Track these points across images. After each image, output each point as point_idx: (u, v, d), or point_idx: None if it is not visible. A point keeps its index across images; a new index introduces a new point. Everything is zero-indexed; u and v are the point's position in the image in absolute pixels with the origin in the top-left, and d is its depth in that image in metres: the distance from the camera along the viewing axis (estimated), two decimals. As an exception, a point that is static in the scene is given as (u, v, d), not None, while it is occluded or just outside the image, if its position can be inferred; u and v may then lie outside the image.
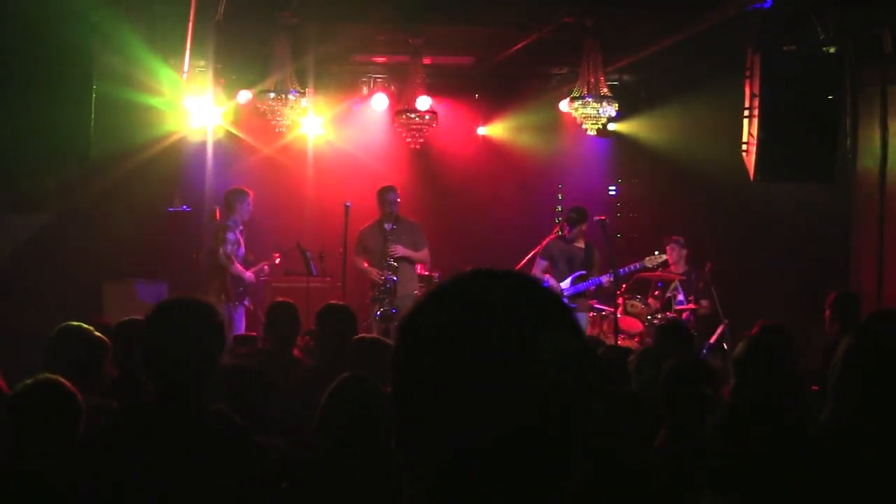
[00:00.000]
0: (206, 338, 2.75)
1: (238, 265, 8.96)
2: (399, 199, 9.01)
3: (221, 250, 8.90)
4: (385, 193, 8.99)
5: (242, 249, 9.10)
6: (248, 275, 9.02)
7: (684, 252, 9.66)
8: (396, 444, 1.17)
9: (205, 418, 2.72)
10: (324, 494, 3.18)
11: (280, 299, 6.11)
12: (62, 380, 3.19)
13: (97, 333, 4.22)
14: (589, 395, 1.16)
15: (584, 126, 8.93)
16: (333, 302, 5.79)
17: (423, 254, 9.07)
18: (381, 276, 8.90)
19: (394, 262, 8.90)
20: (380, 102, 10.78)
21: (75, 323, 4.28)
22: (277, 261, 9.52)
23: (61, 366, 4.00)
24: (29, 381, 3.19)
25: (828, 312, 6.67)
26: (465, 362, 1.10)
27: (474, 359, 1.10)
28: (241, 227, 9.10)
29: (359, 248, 9.06)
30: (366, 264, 8.99)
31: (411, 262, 9.00)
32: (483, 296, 1.14)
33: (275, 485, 2.78)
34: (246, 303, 8.96)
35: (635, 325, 9.57)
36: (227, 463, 2.68)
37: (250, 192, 9.13)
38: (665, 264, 9.53)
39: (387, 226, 8.99)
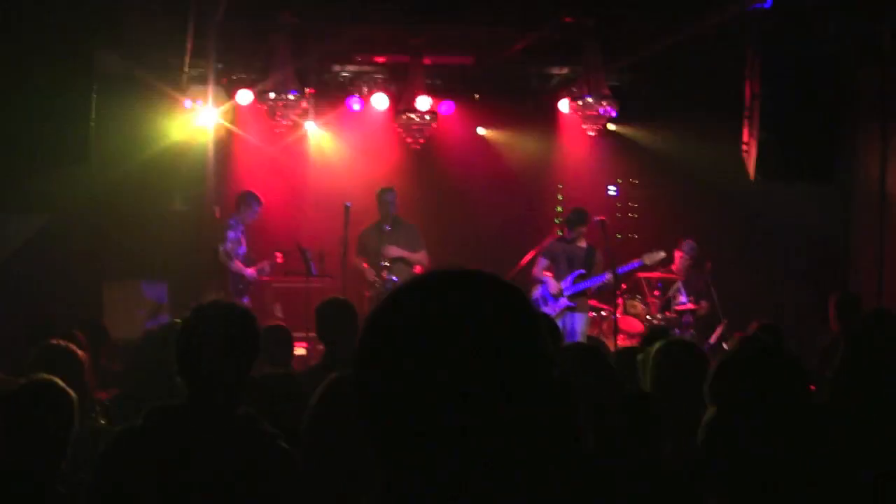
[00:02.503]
0: (241, 342, 2.77)
1: (238, 262, 9.03)
2: (396, 201, 9.12)
3: (221, 248, 8.96)
4: (382, 195, 9.11)
5: (244, 248, 9.17)
6: (250, 272, 9.09)
7: (691, 260, 9.59)
8: (362, 430, 1.19)
9: (234, 422, 2.73)
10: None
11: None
12: (55, 379, 3.18)
13: (77, 351, 4.15)
14: (552, 392, 1.18)
15: (584, 126, 8.93)
16: (332, 296, 5.73)
17: (420, 255, 9.08)
18: (377, 276, 8.94)
19: (387, 262, 8.93)
20: (380, 102, 10.78)
21: (55, 342, 4.22)
22: (280, 259, 9.53)
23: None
24: (22, 381, 3.18)
25: (831, 313, 6.68)
26: (422, 357, 1.13)
27: (431, 353, 1.13)
28: (243, 227, 9.17)
29: (359, 249, 9.15)
30: (365, 265, 9.05)
31: (408, 263, 9.01)
32: (443, 294, 1.18)
33: (302, 491, 2.79)
34: (245, 300, 8.97)
35: (635, 326, 9.57)
36: (256, 466, 2.69)
37: (262, 202, 9.28)
38: (664, 262, 9.52)
39: (385, 227, 9.03)
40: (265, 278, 9.64)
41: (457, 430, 1.12)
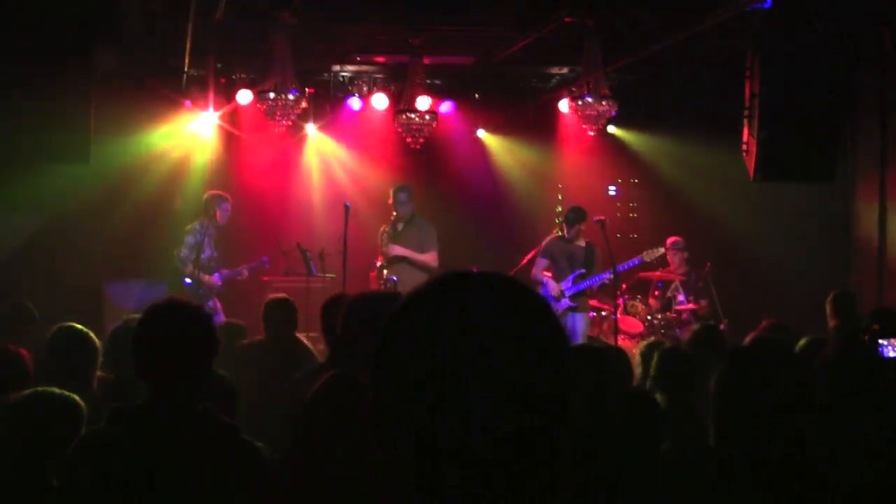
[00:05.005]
0: (196, 340, 2.77)
1: (192, 269, 8.83)
2: (409, 199, 8.86)
3: (176, 253, 8.81)
4: (394, 193, 8.89)
5: (207, 252, 8.95)
6: (208, 279, 8.90)
7: (685, 255, 9.65)
8: (377, 442, 1.17)
9: (194, 418, 2.74)
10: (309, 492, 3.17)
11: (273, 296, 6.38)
12: (58, 391, 3.16)
13: (91, 335, 4.22)
14: (570, 393, 1.16)
15: (584, 126, 8.92)
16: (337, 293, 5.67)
17: (427, 256, 8.77)
18: (381, 276, 8.86)
19: (386, 262, 8.75)
20: (380, 102, 10.77)
21: (70, 324, 4.28)
22: (267, 264, 9.38)
23: (57, 365, 4.02)
24: (26, 393, 3.16)
25: (827, 311, 6.70)
26: (442, 362, 1.11)
27: (451, 358, 1.11)
28: (212, 231, 8.99)
29: (380, 244, 9.00)
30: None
31: (412, 263, 8.74)
32: (461, 296, 1.16)
33: (266, 482, 2.80)
34: (210, 304, 8.72)
35: (635, 326, 9.57)
36: (218, 462, 2.70)
37: (230, 199, 9.06)
38: (664, 259, 9.53)
39: (396, 225, 8.87)
40: (266, 278, 9.62)
41: (473, 439, 1.10)
